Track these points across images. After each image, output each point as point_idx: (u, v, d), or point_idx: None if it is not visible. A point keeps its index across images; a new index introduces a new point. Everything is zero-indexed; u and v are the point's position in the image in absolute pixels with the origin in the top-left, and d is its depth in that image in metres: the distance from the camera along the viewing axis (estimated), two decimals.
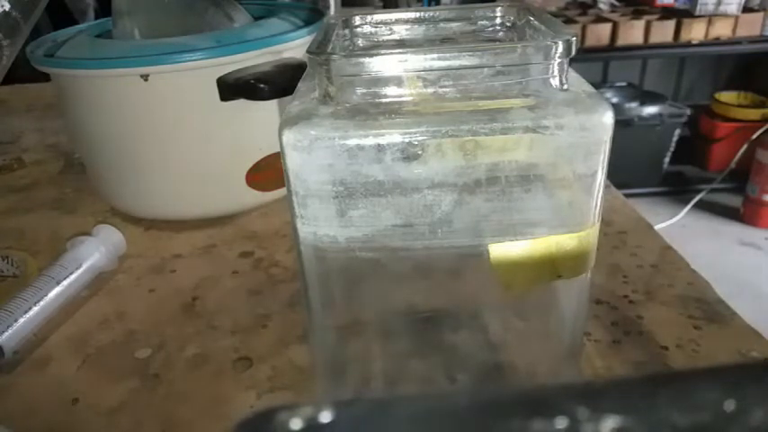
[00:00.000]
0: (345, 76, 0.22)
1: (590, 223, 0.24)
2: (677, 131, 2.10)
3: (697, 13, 1.93)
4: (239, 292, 0.42)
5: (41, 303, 0.38)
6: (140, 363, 0.35)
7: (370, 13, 0.30)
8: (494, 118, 0.22)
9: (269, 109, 0.44)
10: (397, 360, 0.30)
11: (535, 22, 0.27)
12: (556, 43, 0.22)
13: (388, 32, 0.30)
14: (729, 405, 0.09)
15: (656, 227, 0.48)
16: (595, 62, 2.24)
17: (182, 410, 0.32)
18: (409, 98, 0.23)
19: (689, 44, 1.96)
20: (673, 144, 2.13)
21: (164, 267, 0.45)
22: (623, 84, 2.26)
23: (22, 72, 0.63)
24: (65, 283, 0.40)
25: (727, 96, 2.19)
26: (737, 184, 2.07)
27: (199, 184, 0.48)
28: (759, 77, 2.28)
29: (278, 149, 0.23)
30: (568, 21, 1.99)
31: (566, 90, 0.23)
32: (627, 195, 0.53)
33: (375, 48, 0.30)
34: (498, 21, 0.30)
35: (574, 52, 0.23)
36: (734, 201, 2.09)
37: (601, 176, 0.23)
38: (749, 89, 2.21)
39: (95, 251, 0.43)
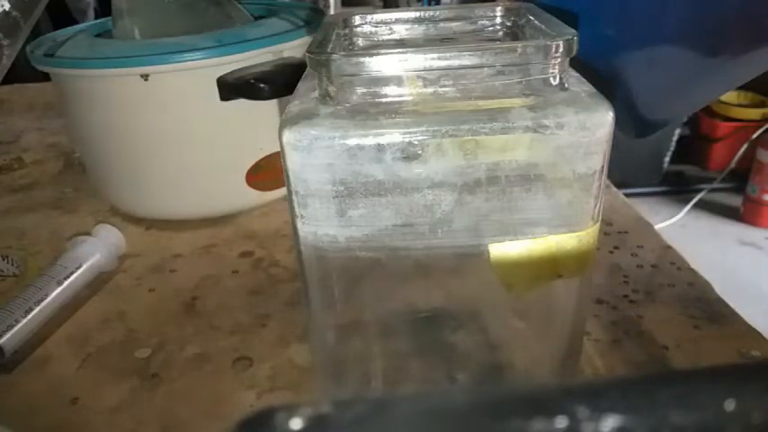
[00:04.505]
0: (345, 75, 0.22)
1: (590, 223, 0.24)
2: (677, 131, 2.10)
3: None
4: (239, 292, 0.42)
5: (41, 303, 0.38)
6: (140, 363, 0.36)
7: (370, 13, 0.30)
8: (494, 118, 0.22)
9: (269, 109, 0.44)
10: (397, 360, 0.30)
11: (535, 22, 0.27)
12: (556, 43, 0.22)
13: (388, 32, 0.30)
14: (729, 405, 0.09)
15: (656, 226, 0.48)
16: None
17: (182, 410, 0.32)
18: (409, 98, 0.23)
19: None
20: (673, 143, 2.13)
21: (164, 267, 0.45)
22: None
23: (22, 72, 0.63)
24: (65, 282, 0.40)
25: (727, 96, 2.19)
26: (737, 184, 2.07)
27: (199, 184, 0.48)
28: (759, 77, 2.28)
29: (278, 149, 0.23)
30: None
31: (566, 90, 0.23)
32: (627, 195, 0.53)
33: (375, 47, 0.30)
34: (498, 21, 0.30)
35: (574, 52, 0.23)
36: (734, 200, 2.09)
37: (601, 176, 0.23)
38: (749, 89, 2.21)
39: (95, 251, 0.43)
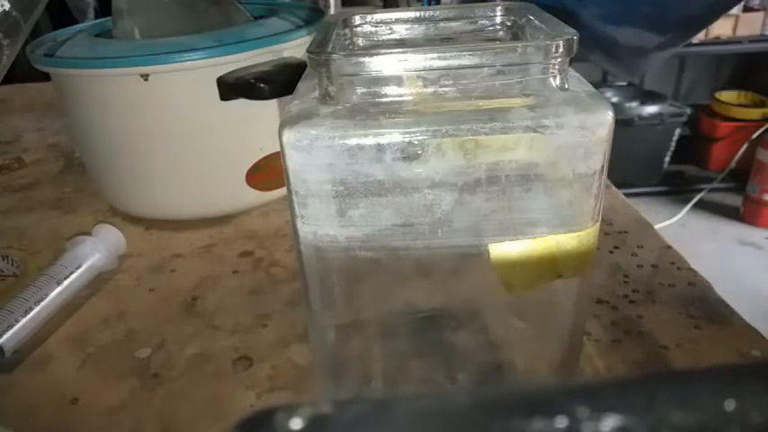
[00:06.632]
0: (345, 75, 0.22)
1: (590, 223, 0.24)
2: (677, 131, 2.11)
3: None
4: (239, 292, 0.42)
5: (41, 303, 0.38)
6: (140, 363, 0.36)
7: (370, 13, 0.30)
8: (494, 117, 0.22)
9: (269, 109, 0.44)
10: (397, 360, 0.30)
11: (535, 22, 0.27)
12: (556, 43, 0.22)
13: (388, 32, 0.30)
14: (729, 405, 0.09)
15: (656, 226, 0.48)
16: None
17: (182, 410, 0.32)
18: (409, 98, 0.23)
19: (689, 43, 1.96)
20: (673, 143, 2.13)
21: (164, 267, 0.45)
22: (623, 83, 2.26)
23: (22, 72, 0.63)
24: (65, 282, 0.40)
25: (727, 96, 2.20)
26: (737, 184, 2.08)
27: (199, 184, 0.48)
28: (759, 77, 2.28)
29: (278, 149, 0.23)
30: None
31: (566, 89, 0.23)
32: (627, 195, 0.53)
33: (375, 47, 0.30)
34: (498, 20, 0.30)
35: (574, 52, 0.23)
36: (734, 200, 2.10)
37: (601, 176, 0.23)
38: (749, 89, 2.21)
39: (95, 251, 0.43)
